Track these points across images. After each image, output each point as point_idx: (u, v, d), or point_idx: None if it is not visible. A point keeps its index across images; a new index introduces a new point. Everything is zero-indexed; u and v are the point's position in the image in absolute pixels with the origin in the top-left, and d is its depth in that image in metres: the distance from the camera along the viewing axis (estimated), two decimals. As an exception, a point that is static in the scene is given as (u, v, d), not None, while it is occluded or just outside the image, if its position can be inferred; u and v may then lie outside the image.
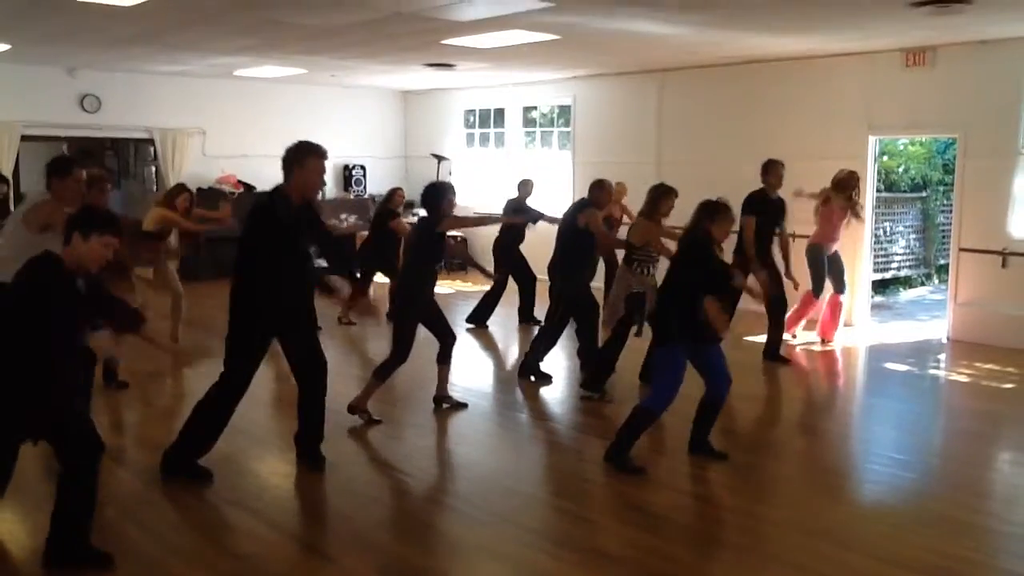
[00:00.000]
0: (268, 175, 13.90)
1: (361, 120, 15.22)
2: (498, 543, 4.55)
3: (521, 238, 10.02)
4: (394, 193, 10.13)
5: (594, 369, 7.14)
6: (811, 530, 4.72)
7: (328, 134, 14.83)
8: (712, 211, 5.40)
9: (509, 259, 9.96)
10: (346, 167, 15.13)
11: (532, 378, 7.61)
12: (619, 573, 4.16)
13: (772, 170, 8.14)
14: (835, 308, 9.07)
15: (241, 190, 12.93)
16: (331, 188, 15.18)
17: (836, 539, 4.61)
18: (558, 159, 13.48)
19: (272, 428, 6.39)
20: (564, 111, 13.70)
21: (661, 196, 6.86)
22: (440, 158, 13.60)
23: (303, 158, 5.11)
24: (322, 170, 5.23)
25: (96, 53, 10.95)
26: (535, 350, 7.67)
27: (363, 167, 14.89)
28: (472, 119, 15.25)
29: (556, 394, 7.47)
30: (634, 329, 7.01)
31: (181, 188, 8.68)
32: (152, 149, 13.64)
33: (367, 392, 6.35)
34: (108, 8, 7.64)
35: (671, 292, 5.42)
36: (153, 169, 14.06)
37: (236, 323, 5.13)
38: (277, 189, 5.17)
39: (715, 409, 5.61)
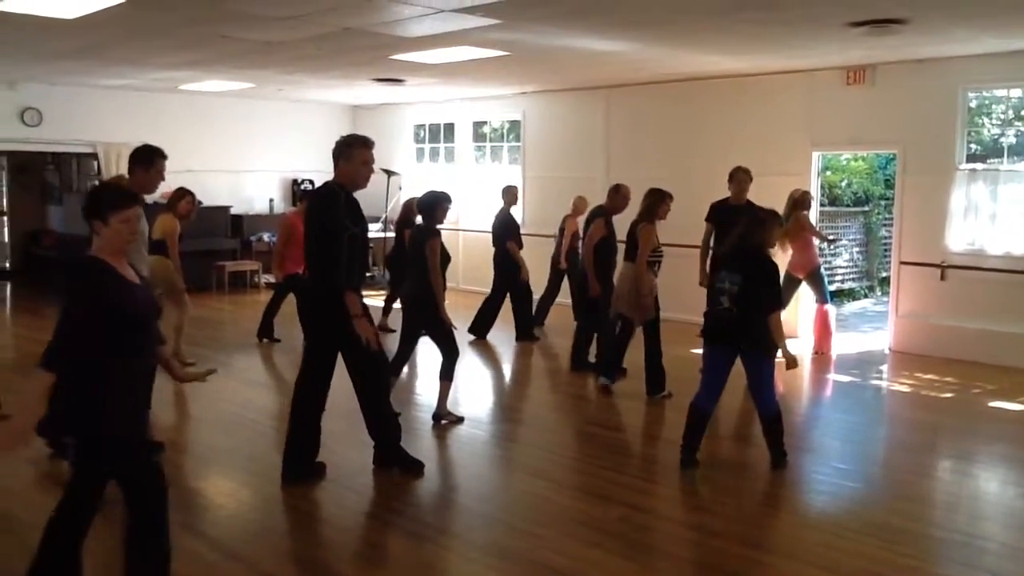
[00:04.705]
0: (214, 190, 13.95)
1: (309, 135, 15.11)
2: (443, 559, 4.53)
3: (519, 247, 9.98)
4: (411, 204, 9.52)
5: (610, 361, 7.70)
6: (754, 541, 4.77)
7: (276, 149, 14.90)
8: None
9: (507, 271, 9.91)
10: (295, 181, 15.04)
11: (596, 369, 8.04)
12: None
13: (733, 177, 8.00)
14: (825, 319, 9.32)
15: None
16: (279, 202, 15.08)
17: (779, 549, 4.68)
18: (508, 174, 13.49)
19: (216, 447, 6.29)
20: (514, 126, 13.74)
21: (657, 201, 7.26)
22: (390, 173, 13.54)
23: (348, 150, 5.15)
24: (370, 160, 5.20)
25: (37, 66, 10.75)
26: (581, 346, 8.43)
27: (311, 182, 14.78)
28: (422, 134, 15.24)
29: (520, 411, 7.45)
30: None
31: (183, 192, 8.42)
32: (95, 163, 13.43)
33: (443, 396, 6.64)
34: (50, 21, 7.51)
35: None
36: (96, 184, 13.80)
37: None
38: (330, 182, 5.21)
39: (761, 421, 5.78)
